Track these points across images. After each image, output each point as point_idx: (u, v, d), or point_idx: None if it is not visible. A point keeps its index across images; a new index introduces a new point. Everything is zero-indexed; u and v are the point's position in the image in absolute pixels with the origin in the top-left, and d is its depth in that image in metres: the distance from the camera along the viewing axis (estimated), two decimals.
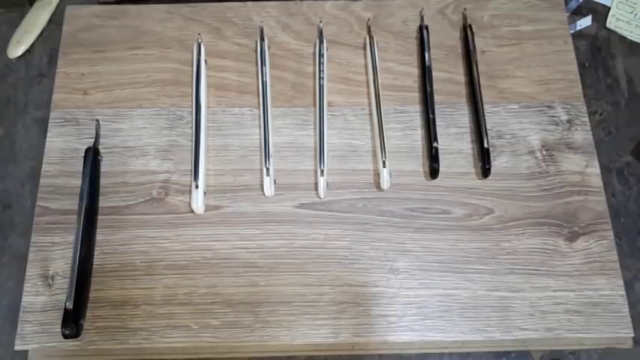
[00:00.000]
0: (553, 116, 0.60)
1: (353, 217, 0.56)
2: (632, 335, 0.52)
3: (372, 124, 0.59)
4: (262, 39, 0.62)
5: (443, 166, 0.57)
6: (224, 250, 0.54)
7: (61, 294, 0.52)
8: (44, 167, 0.57)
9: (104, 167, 0.57)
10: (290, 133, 0.59)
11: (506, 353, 0.55)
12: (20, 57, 0.67)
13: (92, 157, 0.56)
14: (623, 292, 0.53)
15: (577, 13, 0.70)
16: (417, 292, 0.53)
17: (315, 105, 0.60)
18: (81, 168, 0.56)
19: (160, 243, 0.54)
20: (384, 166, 0.56)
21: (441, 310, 0.52)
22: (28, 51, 0.68)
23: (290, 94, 0.61)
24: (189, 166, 0.57)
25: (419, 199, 0.56)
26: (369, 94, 0.61)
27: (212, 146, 0.58)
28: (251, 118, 0.60)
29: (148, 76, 0.62)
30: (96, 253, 0.54)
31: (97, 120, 0.59)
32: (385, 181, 0.56)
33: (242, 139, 0.59)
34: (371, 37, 0.63)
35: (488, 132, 0.58)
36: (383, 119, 0.58)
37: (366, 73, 0.62)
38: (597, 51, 0.68)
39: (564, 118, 0.60)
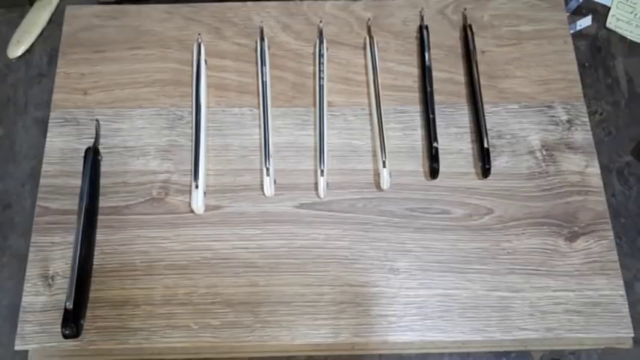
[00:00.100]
0: (553, 116, 0.60)
1: (353, 217, 0.56)
2: (632, 335, 0.52)
3: (372, 124, 0.59)
4: (262, 39, 0.62)
5: (443, 166, 0.57)
6: (224, 250, 0.54)
7: (61, 294, 0.52)
8: (44, 167, 0.57)
9: (104, 167, 0.57)
10: (290, 133, 0.59)
11: (506, 353, 0.55)
12: (20, 57, 0.67)
13: (92, 157, 0.56)
14: (623, 292, 0.53)
15: (577, 13, 0.70)
16: (417, 292, 0.53)
17: (315, 105, 0.60)
18: (81, 168, 0.56)
19: (160, 243, 0.54)
20: (384, 166, 0.56)
21: (441, 310, 0.52)
22: (28, 51, 0.68)
23: (290, 94, 0.61)
24: (189, 166, 0.57)
25: (419, 199, 0.56)
26: (369, 94, 0.61)
27: (212, 146, 0.58)
28: (251, 118, 0.60)
29: (148, 76, 0.62)
30: (96, 253, 0.54)
31: (97, 120, 0.59)
32: (385, 181, 0.56)
33: (242, 139, 0.59)
34: (371, 37, 0.63)
35: (488, 132, 0.58)
36: (383, 119, 0.58)
37: (366, 73, 0.62)
38: (597, 51, 0.68)
39: (564, 118, 0.60)
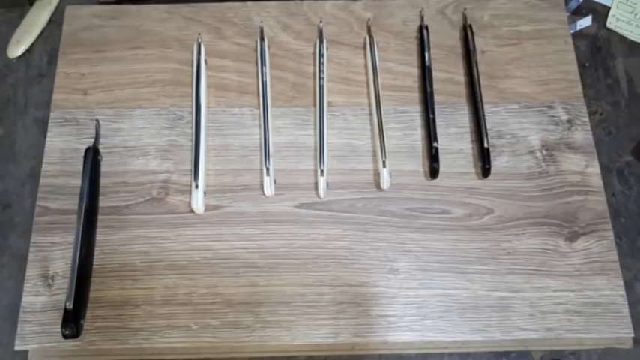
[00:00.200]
0: (553, 116, 0.60)
1: (353, 217, 0.56)
2: (632, 335, 0.52)
3: (372, 124, 0.59)
4: (262, 39, 0.62)
5: (443, 166, 0.57)
6: (224, 250, 0.54)
7: (61, 294, 0.52)
8: (44, 167, 0.57)
9: (104, 167, 0.57)
10: (290, 133, 0.59)
11: (506, 353, 0.55)
12: (20, 57, 0.67)
13: (92, 157, 0.56)
14: (623, 292, 0.53)
15: (577, 13, 0.70)
16: (417, 292, 0.53)
17: (315, 105, 0.60)
18: (81, 168, 0.56)
19: (160, 243, 0.54)
20: (384, 166, 0.56)
21: (441, 310, 0.52)
22: (28, 51, 0.68)
23: (290, 94, 0.61)
24: (189, 166, 0.57)
25: (419, 199, 0.56)
26: (369, 94, 0.61)
27: (212, 146, 0.58)
28: (251, 118, 0.60)
29: (148, 76, 0.62)
30: (96, 253, 0.54)
31: (97, 120, 0.59)
32: (385, 181, 0.56)
33: (242, 139, 0.59)
34: (371, 37, 0.63)
35: (488, 132, 0.58)
36: (383, 119, 0.58)
37: (366, 73, 0.62)
38: (597, 51, 0.68)
39: (564, 118, 0.60)
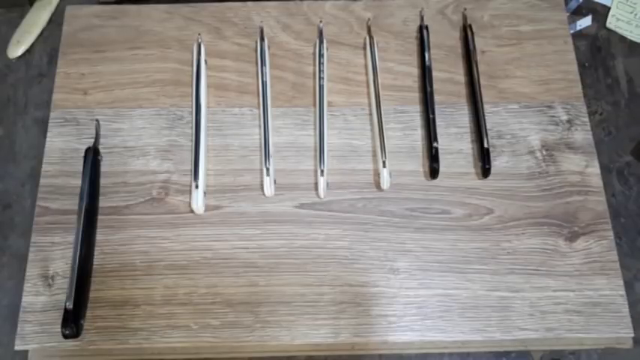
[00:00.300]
0: (553, 116, 0.60)
1: (353, 217, 0.56)
2: (632, 335, 0.52)
3: (372, 124, 0.59)
4: (262, 39, 0.62)
5: (443, 166, 0.57)
6: (224, 250, 0.54)
7: (61, 294, 0.52)
8: (44, 167, 0.57)
9: (104, 167, 0.57)
10: (290, 133, 0.59)
11: (506, 353, 0.55)
12: (20, 57, 0.67)
13: (92, 157, 0.56)
14: (623, 292, 0.53)
15: (577, 13, 0.70)
16: (417, 292, 0.53)
17: (315, 105, 0.60)
18: (81, 168, 0.56)
19: (160, 243, 0.54)
20: (384, 166, 0.56)
21: (441, 310, 0.52)
22: (28, 51, 0.68)
23: (290, 94, 0.61)
24: (189, 166, 0.57)
25: (419, 199, 0.56)
26: (369, 94, 0.61)
27: (212, 146, 0.58)
28: (251, 118, 0.60)
29: (148, 76, 0.62)
30: (96, 253, 0.54)
31: (97, 120, 0.59)
32: (385, 181, 0.56)
33: (242, 139, 0.59)
34: (371, 37, 0.63)
35: (488, 132, 0.58)
36: (383, 119, 0.58)
37: (366, 73, 0.62)
38: (597, 51, 0.68)
39: (564, 118, 0.60)
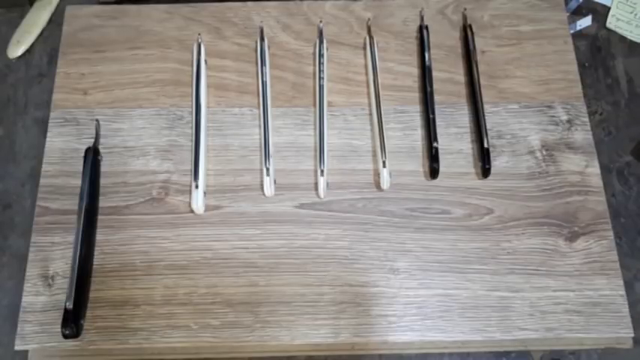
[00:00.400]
0: (553, 116, 0.60)
1: (353, 217, 0.56)
2: (632, 335, 0.52)
3: (372, 124, 0.59)
4: (262, 39, 0.62)
5: (443, 166, 0.57)
6: (224, 250, 0.54)
7: (61, 294, 0.52)
8: (44, 167, 0.57)
9: (104, 167, 0.57)
10: (290, 133, 0.59)
11: (506, 353, 0.55)
12: (20, 57, 0.67)
13: (92, 157, 0.56)
14: (623, 292, 0.53)
15: (577, 13, 0.70)
16: (417, 292, 0.53)
17: (315, 105, 0.60)
18: (81, 168, 0.56)
19: (160, 243, 0.54)
20: (384, 166, 0.56)
21: (441, 310, 0.52)
22: (28, 51, 0.68)
23: (290, 94, 0.61)
24: (189, 166, 0.57)
25: (419, 199, 0.56)
26: (369, 94, 0.61)
27: (212, 146, 0.58)
28: (251, 118, 0.60)
29: (148, 76, 0.62)
30: (96, 253, 0.54)
31: (97, 120, 0.59)
32: (385, 181, 0.56)
33: (242, 139, 0.59)
34: (371, 37, 0.63)
35: (488, 132, 0.58)
36: (383, 119, 0.58)
37: (366, 73, 0.62)
38: (597, 51, 0.68)
39: (564, 118, 0.60)
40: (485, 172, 0.56)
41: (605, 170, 0.60)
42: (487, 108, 0.60)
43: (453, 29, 0.65)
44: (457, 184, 0.57)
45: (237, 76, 0.62)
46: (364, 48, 0.63)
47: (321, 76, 0.60)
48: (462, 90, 0.61)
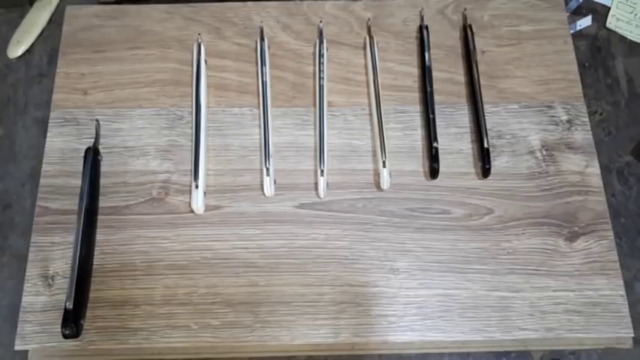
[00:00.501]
0: (553, 116, 0.60)
1: (353, 217, 0.56)
2: (632, 335, 0.52)
3: (372, 124, 0.59)
4: (262, 39, 0.62)
5: (443, 166, 0.57)
6: (224, 250, 0.54)
7: (61, 294, 0.52)
8: (44, 167, 0.57)
9: (104, 167, 0.57)
10: (290, 133, 0.59)
11: (506, 353, 0.55)
12: (20, 57, 0.67)
13: (92, 157, 0.56)
14: (623, 292, 0.53)
15: (577, 13, 0.70)
16: (417, 292, 0.53)
17: (315, 105, 0.60)
18: (81, 168, 0.56)
19: (160, 243, 0.54)
20: (384, 166, 0.56)
21: (441, 310, 0.52)
22: (28, 51, 0.68)
23: (290, 94, 0.61)
24: (189, 166, 0.57)
25: (419, 199, 0.56)
26: (369, 94, 0.61)
27: (212, 146, 0.58)
28: (251, 118, 0.60)
29: (148, 76, 0.62)
30: (96, 253, 0.54)
31: (97, 120, 0.59)
32: (385, 181, 0.56)
33: (242, 139, 0.59)
34: (371, 37, 0.63)
35: (488, 132, 0.58)
36: (383, 119, 0.58)
37: (366, 73, 0.62)
38: (597, 51, 0.68)
39: (564, 118, 0.60)
40: (485, 172, 0.56)
41: (605, 170, 0.60)
42: (487, 108, 0.60)
43: (453, 29, 0.65)
44: (457, 184, 0.57)
45: (237, 76, 0.62)
46: (364, 48, 0.63)
47: (321, 76, 0.60)
48: (462, 90, 0.61)
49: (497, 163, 0.58)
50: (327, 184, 0.56)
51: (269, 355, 0.53)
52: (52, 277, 0.53)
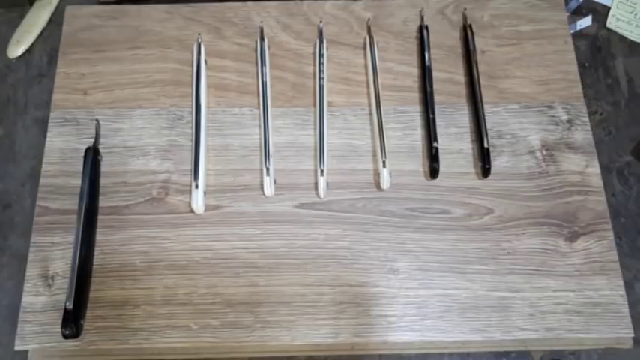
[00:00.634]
0: (553, 116, 0.60)
1: (353, 217, 0.56)
2: (632, 335, 0.52)
3: (372, 124, 0.59)
4: (262, 39, 0.62)
5: (443, 166, 0.57)
6: (224, 250, 0.54)
7: (61, 294, 0.52)
8: (44, 167, 0.57)
9: (104, 167, 0.57)
10: (290, 133, 0.59)
11: (506, 353, 0.55)
12: (20, 57, 0.67)
13: (92, 157, 0.56)
14: (623, 292, 0.53)
15: (577, 13, 0.70)
16: (417, 292, 0.53)
17: (315, 105, 0.60)
18: (81, 168, 0.56)
19: (160, 243, 0.54)
20: (384, 166, 0.56)
21: (441, 310, 0.52)
22: (28, 51, 0.68)
23: (290, 94, 0.61)
24: (189, 166, 0.57)
25: (419, 199, 0.56)
26: (369, 94, 0.61)
27: (212, 146, 0.58)
28: (251, 118, 0.60)
29: (148, 76, 0.62)
30: (96, 253, 0.54)
31: (97, 120, 0.59)
32: (385, 181, 0.56)
33: (242, 139, 0.59)
34: (371, 37, 0.63)
35: (488, 132, 0.58)
36: (383, 119, 0.58)
37: (366, 73, 0.62)
38: (597, 51, 0.68)
39: (564, 118, 0.60)
40: (485, 172, 0.56)
41: (605, 170, 0.60)
42: (487, 108, 0.60)
43: (453, 29, 0.65)
44: (457, 184, 0.57)
45: (237, 76, 0.62)
46: (364, 48, 0.63)
47: (321, 76, 0.60)
48: (462, 90, 0.61)
49: (497, 163, 0.58)
50: (327, 184, 0.56)
51: (269, 355, 0.53)
52: (52, 277, 0.53)
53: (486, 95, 0.60)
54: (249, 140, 0.59)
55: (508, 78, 0.62)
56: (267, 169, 0.56)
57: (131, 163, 0.58)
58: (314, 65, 0.62)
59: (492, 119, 0.60)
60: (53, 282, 0.53)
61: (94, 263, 0.53)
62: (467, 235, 0.55)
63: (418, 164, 0.58)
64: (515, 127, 0.60)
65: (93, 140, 0.58)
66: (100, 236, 0.54)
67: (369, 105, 0.60)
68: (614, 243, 0.55)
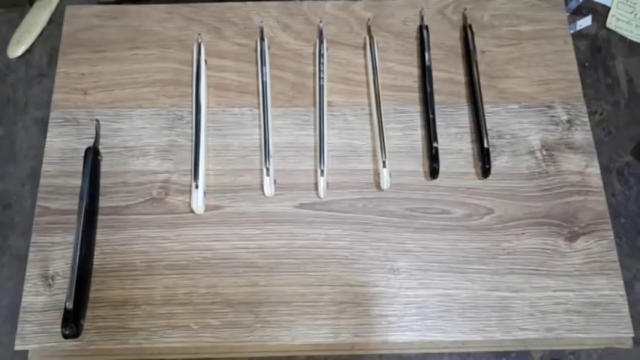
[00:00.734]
0: (553, 116, 0.60)
1: (353, 217, 0.56)
2: (632, 335, 0.52)
3: (372, 124, 0.59)
4: (262, 39, 0.62)
5: (443, 166, 0.57)
6: (224, 250, 0.54)
7: (61, 294, 0.52)
8: (44, 167, 0.57)
9: (104, 167, 0.57)
10: (290, 133, 0.59)
11: (506, 353, 0.55)
12: (20, 57, 0.67)
13: (92, 157, 0.56)
14: (623, 292, 0.53)
15: (577, 13, 0.70)
16: (417, 292, 0.53)
17: (315, 105, 0.60)
18: (81, 168, 0.56)
19: (160, 243, 0.54)
20: (384, 166, 0.56)
21: (441, 310, 0.52)
22: (28, 51, 0.68)
23: (290, 94, 0.61)
24: (189, 166, 0.57)
25: (419, 199, 0.56)
26: (369, 94, 0.61)
27: (212, 146, 0.58)
28: (251, 118, 0.60)
29: (148, 76, 0.62)
30: (96, 253, 0.54)
31: (97, 120, 0.59)
32: (385, 181, 0.56)
33: (242, 139, 0.59)
34: (371, 37, 0.63)
35: (488, 132, 0.58)
36: (383, 119, 0.58)
37: (366, 73, 0.62)
38: (597, 51, 0.68)
39: (564, 118, 0.60)
40: (485, 172, 0.56)
41: (605, 170, 0.60)
42: (487, 108, 0.60)
43: (453, 29, 0.65)
44: (457, 184, 0.57)
45: (237, 76, 0.62)
46: (364, 48, 0.63)
47: (321, 76, 0.60)
48: (462, 90, 0.61)
49: (497, 163, 0.58)
50: (327, 184, 0.56)
51: (269, 355, 0.53)
52: (52, 277, 0.53)
53: (486, 95, 0.60)
54: (249, 140, 0.59)
55: (508, 78, 0.62)
56: (267, 169, 0.56)
57: (131, 163, 0.58)
58: (314, 65, 0.62)
59: (492, 119, 0.60)
60: (53, 282, 0.53)
61: (94, 263, 0.53)
62: (467, 235, 0.55)
63: (418, 164, 0.58)
64: (515, 127, 0.60)
65: (93, 140, 0.58)
66: (100, 236, 0.54)
67: (369, 105, 0.60)
68: (614, 243, 0.55)
